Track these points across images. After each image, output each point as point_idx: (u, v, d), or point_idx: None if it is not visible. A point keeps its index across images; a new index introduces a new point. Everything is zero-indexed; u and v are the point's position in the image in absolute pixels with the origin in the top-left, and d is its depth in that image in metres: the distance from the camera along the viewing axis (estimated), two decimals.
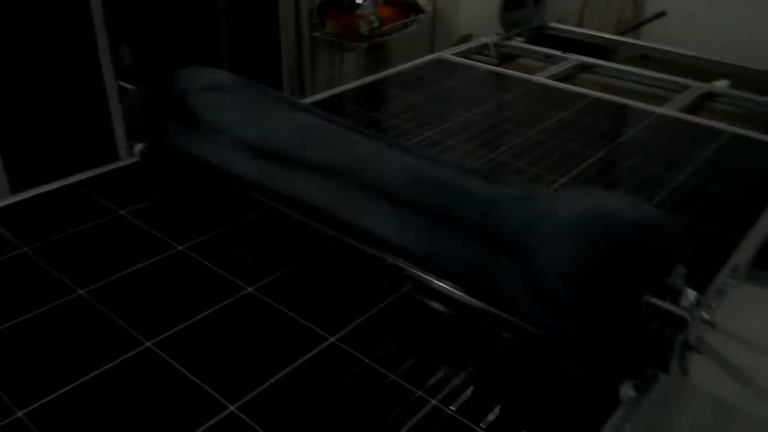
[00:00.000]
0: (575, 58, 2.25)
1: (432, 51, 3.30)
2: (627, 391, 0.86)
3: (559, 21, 2.85)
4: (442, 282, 1.00)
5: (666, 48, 2.51)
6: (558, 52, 2.29)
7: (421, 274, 1.01)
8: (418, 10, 3.32)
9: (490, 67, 2.14)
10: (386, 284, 1.08)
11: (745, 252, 1.24)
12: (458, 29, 3.51)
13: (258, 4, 2.91)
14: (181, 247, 1.15)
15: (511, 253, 0.91)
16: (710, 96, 2.03)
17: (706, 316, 0.93)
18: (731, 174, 1.51)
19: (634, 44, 2.66)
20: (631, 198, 0.96)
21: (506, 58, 2.34)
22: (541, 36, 2.64)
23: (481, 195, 0.99)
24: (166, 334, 0.95)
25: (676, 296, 0.85)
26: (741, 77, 2.29)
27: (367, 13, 2.95)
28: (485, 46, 2.34)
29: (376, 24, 2.98)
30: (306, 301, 1.04)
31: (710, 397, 1.97)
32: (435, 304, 1.04)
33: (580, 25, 3.27)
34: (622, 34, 2.99)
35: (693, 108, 1.96)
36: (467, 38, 3.16)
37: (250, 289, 1.06)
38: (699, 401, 1.95)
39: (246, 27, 2.89)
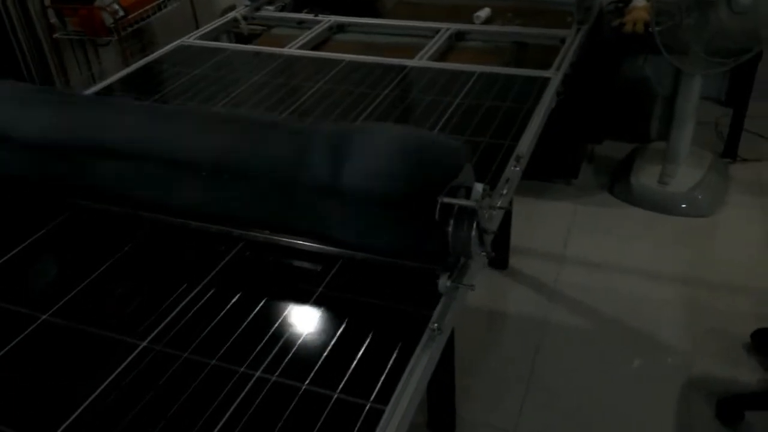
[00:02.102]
0: (329, 20, 2.16)
1: (197, 27, 3.08)
2: (444, 282, 0.98)
3: None
4: (271, 235, 1.12)
5: None
6: (311, 16, 2.19)
7: (252, 232, 1.12)
8: None
9: (236, 46, 2.00)
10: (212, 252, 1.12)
11: (524, 144, 1.38)
12: (219, 2, 3.30)
13: None
14: None
15: (328, 194, 1.01)
16: (460, 36, 2.05)
17: (498, 203, 1.14)
18: (481, 116, 1.52)
19: None
20: (411, 127, 1.11)
21: (246, 40, 2.19)
22: (296, 3, 2.50)
23: (286, 147, 1.06)
24: None
25: (468, 192, 0.99)
26: (500, 8, 2.36)
27: (107, 2, 2.66)
28: (235, 20, 2.18)
29: (121, 13, 2.69)
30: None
31: (523, 314, 2.08)
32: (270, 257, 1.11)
33: None
34: None
35: (446, 51, 1.96)
36: (232, 8, 2.98)
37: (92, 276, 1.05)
38: (516, 320, 2.06)
39: None
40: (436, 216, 0.95)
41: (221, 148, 1.09)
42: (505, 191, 1.23)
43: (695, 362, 1.89)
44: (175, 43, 1.99)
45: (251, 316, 0.97)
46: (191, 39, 2.03)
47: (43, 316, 0.98)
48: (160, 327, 0.95)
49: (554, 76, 1.66)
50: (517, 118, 1.48)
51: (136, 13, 2.79)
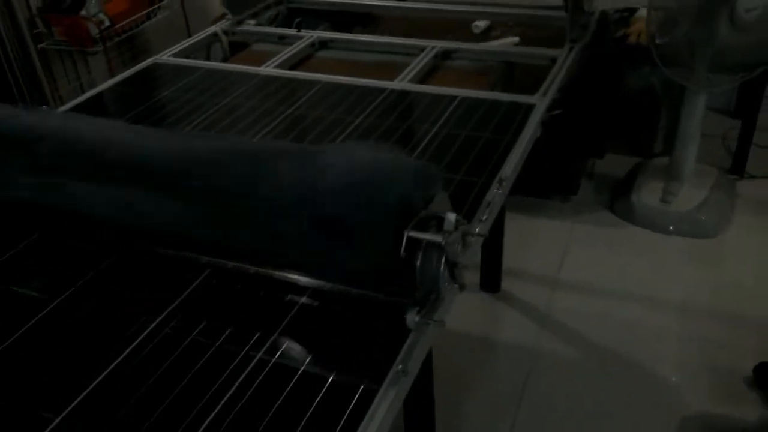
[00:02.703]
0: (311, 36, 2.06)
1: (189, 35, 3.00)
2: (412, 318, 0.92)
3: None
4: (238, 263, 1.07)
5: (424, 6, 2.35)
6: (293, 31, 2.10)
7: (217, 259, 1.08)
8: None
9: (211, 64, 1.92)
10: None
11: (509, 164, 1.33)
12: (213, 9, 3.22)
13: None
14: None
15: (292, 218, 0.96)
16: (447, 54, 1.95)
17: (475, 230, 1.07)
18: (458, 149, 1.42)
19: (396, 7, 2.41)
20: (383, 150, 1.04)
21: (241, 46, 2.11)
22: (291, 12, 2.41)
23: (246, 175, 1.01)
24: None
25: (440, 222, 0.91)
26: (503, 15, 2.26)
27: (93, 12, 2.59)
28: (215, 35, 2.11)
29: (107, 23, 2.62)
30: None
31: (514, 341, 1.99)
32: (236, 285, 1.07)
33: None
34: None
35: (431, 71, 1.86)
36: (223, 17, 2.91)
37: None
38: (506, 347, 1.97)
39: None
40: (402, 251, 0.88)
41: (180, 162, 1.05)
42: (485, 217, 1.15)
43: (692, 397, 1.78)
44: (148, 60, 1.92)
45: (194, 370, 0.89)
46: (166, 56, 1.95)
47: None
48: (81, 395, 0.86)
49: (540, 102, 1.56)
50: (496, 150, 1.39)
51: (123, 23, 2.72)
